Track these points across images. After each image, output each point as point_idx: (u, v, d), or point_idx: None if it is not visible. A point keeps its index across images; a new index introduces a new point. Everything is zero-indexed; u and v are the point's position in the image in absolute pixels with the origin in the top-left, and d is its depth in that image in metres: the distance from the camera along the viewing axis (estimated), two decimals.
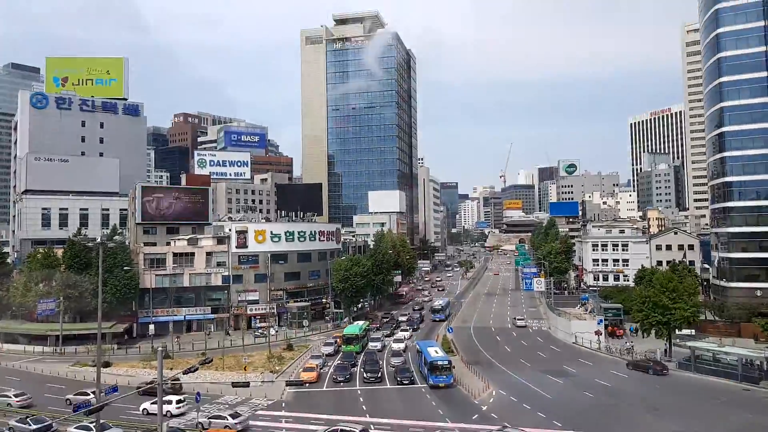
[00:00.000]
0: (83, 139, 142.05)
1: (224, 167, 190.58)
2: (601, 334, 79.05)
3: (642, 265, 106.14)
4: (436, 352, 63.65)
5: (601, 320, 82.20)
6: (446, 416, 50.24)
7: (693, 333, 77.19)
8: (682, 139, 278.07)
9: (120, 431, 46.03)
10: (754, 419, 47.53)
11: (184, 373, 43.04)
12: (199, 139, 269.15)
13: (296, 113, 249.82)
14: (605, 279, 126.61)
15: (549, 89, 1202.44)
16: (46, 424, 47.44)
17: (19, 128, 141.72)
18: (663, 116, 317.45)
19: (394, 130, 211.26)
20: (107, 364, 68.82)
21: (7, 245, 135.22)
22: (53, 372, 70.59)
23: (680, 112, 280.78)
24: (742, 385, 57.57)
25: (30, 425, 47.04)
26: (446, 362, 60.91)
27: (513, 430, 41.51)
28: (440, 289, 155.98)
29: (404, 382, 62.10)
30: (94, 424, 40.34)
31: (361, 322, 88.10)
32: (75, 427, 46.17)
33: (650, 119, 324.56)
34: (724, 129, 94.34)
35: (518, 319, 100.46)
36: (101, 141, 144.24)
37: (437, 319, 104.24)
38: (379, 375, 64.47)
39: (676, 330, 70.21)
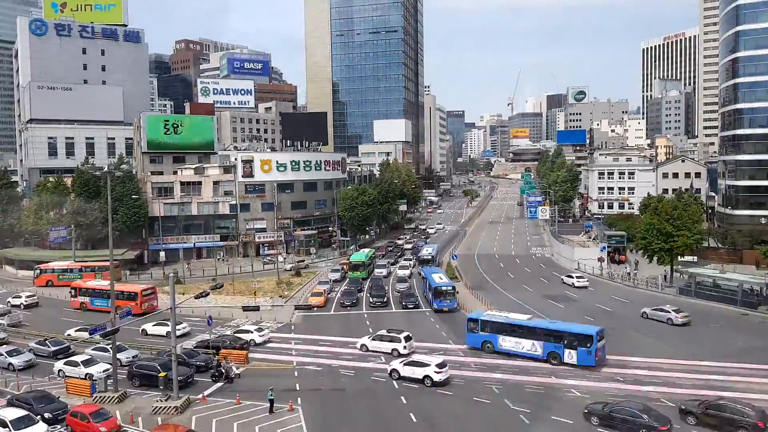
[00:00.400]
0: (85, 67, 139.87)
1: (228, 95, 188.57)
2: (603, 261, 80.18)
3: (648, 193, 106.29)
4: (441, 278, 65.00)
5: (604, 247, 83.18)
6: (449, 338, 51.91)
7: (695, 260, 78.17)
8: (695, 65, 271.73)
9: (136, 352, 48.03)
10: (750, 342, 48.90)
11: (195, 298, 44.31)
12: (202, 67, 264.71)
13: (300, 43, 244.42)
14: (610, 207, 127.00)
15: (560, 13, 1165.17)
16: (64, 346, 49.40)
17: (20, 56, 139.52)
18: (676, 41, 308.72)
19: (400, 57, 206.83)
20: None
21: (15, 174, 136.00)
22: (67, 297, 72.56)
23: (695, 36, 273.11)
24: (741, 310, 58.83)
25: (49, 347, 49.02)
26: (450, 287, 62.36)
27: None
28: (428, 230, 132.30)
29: (409, 306, 63.79)
30: (110, 345, 41.98)
31: (367, 250, 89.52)
32: (92, 349, 48.09)
33: (663, 44, 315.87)
34: (738, 54, 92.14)
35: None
36: (103, 69, 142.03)
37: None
38: (385, 300, 66.13)
39: (679, 257, 71.13)
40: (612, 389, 39.16)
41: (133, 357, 46.57)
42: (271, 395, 36.35)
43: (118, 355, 42.88)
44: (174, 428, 32.45)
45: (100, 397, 38.73)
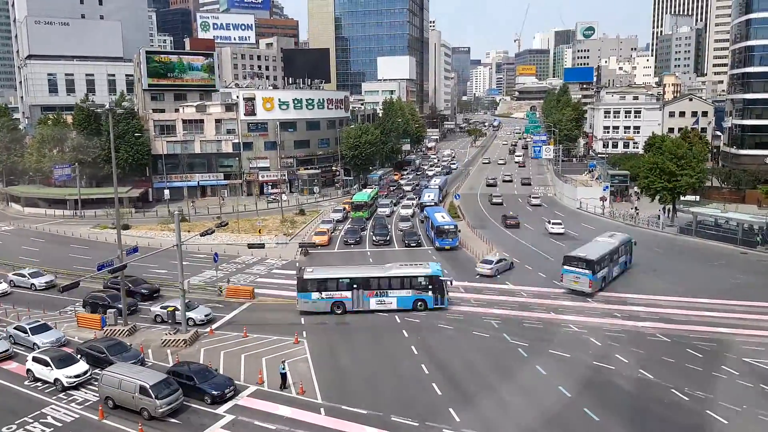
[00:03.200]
0: (81, 1, 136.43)
1: (228, 30, 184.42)
2: (605, 200, 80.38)
3: (653, 132, 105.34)
4: (443, 217, 65.56)
5: (606, 187, 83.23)
6: (451, 276, 52.70)
7: (697, 199, 78.33)
8: (707, 0, 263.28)
9: (148, 285, 49.17)
10: (746, 279, 49.71)
11: (201, 235, 45.01)
12: (201, 0, 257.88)
13: None
14: (615, 146, 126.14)
15: None
16: (75, 281, 50.23)
17: None
18: None
19: None
20: (126, 227, 71.42)
21: (17, 111, 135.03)
22: (75, 234, 73.64)
23: None
24: (741, 248, 59.44)
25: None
26: (452, 226, 62.95)
27: None
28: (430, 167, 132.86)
29: (411, 244, 64.56)
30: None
31: (369, 190, 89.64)
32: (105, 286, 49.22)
33: None
34: None
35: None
36: (100, 2, 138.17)
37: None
38: (388, 238, 66.84)
39: (681, 196, 71.27)
40: (609, 325, 40.17)
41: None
42: (283, 369, 32.63)
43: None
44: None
45: (111, 330, 39.91)
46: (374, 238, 66.92)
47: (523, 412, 28.77)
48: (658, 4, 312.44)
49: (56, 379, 32.13)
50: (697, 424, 27.67)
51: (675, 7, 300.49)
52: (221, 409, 29.61)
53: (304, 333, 39.46)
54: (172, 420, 28.72)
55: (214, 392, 30.19)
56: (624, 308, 43.31)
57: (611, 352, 35.43)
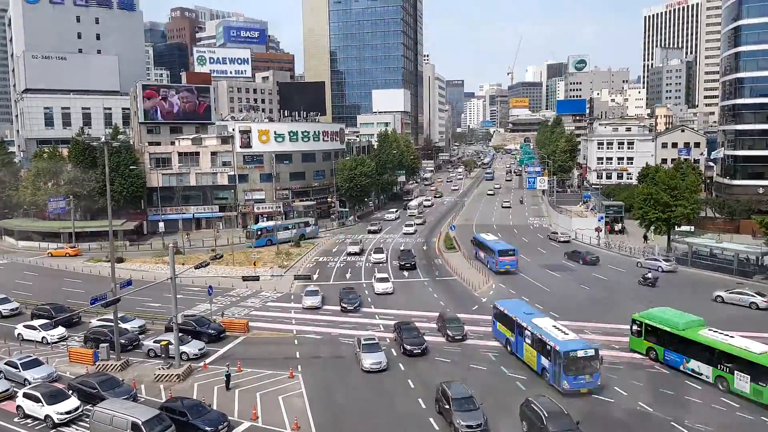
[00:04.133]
0: (79, 36, 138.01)
1: (224, 65, 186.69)
2: (601, 231, 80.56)
3: (647, 163, 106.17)
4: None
5: (601, 217, 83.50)
6: (447, 307, 52.42)
7: (692, 229, 78.54)
8: (697, 33, 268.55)
9: (142, 322, 48.64)
10: (744, 310, 49.50)
11: (195, 268, 44.81)
12: (198, 35, 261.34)
13: (296, 9, 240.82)
14: (609, 177, 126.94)
15: None
16: (75, 313, 49.69)
17: (13, 24, 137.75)
18: (679, 8, 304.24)
19: (399, 25, 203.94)
20: (121, 260, 71.03)
21: (12, 145, 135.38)
22: (69, 267, 73.06)
23: (697, 4, 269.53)
24: (737, 278, 59.35)
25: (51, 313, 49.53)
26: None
27: None
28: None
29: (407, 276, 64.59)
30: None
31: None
32: (97, 320, 48.61)
33: (666, 11, 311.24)
34: (740, 22, 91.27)
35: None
36: (98, 38, 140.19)
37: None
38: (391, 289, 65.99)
39: (675, 227, 71.50)
40: (607, 357, 39.73)
41: (139, 327, 47.59)
42: (228, 371, 36.10)
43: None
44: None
45: (103, 365, 39.31)
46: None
47: None
48: (648, 37, 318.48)
49: (47, 416, 31.48)
50: None
51: (665, 40, 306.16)
52: None
53: (299, 367, 38.95)
54: None
55: (207, 428, 29.63)
56: (622, 339, 42.95)
57: (610, 384, 35.03)
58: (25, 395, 32.72)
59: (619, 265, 67.47)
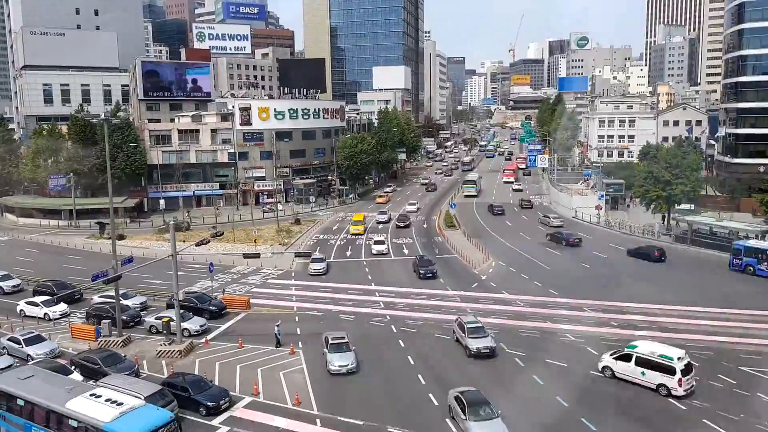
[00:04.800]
0: (77, 12, 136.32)
1: (224, 41, 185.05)
2: (601, 209, 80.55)
3: (648, 141, 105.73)
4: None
5: (602, 195, 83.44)
6: (447, 285, 52.70)
7: (692, 207, 78.51)
8: (700, 10, 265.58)
9: (144, 298, 48.95)
10: (743, 287, 49.76)
11: (196, 245, 44.91)
12: (197, 11, 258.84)
13: None
14: (610, 155, 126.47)
15: None
16: (76, 290, 49.97)
17: (11, 0, 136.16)
18: None
19: (400, 1, 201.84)
20: (122, 237, 71.18)
21: (12, 122, 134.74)
22: (70, 244, 73.30)
23: None
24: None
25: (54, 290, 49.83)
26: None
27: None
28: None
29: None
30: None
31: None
32: (98, 296, 48.87)
33: None
34: None
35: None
36: (96, 13, 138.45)
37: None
38: (385, 250, 66.42)
39: (676, 205, 71.49)
40: (607, 334, 40.08)
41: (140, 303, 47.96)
42: (278, 330, 38.61)
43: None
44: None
45: (105, 341, 39.64)
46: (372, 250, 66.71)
47: (521, 422, 28.59)
48: (652, 14, 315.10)
49: None
50: None
51: (668, 17, 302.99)
52: (216, 421, 29.39)
53: (300, 343, 39.27)
54: None
55: (209, 403, 29.97)
56: (621, 317, 43.25)
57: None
58: None
59: (622, 244, 67.55)
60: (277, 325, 38.78)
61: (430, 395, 31.54)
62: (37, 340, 38.53)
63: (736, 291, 48.86)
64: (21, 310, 46.69)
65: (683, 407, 29.64)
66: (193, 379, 31.66)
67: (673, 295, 47.53)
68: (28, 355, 36.97)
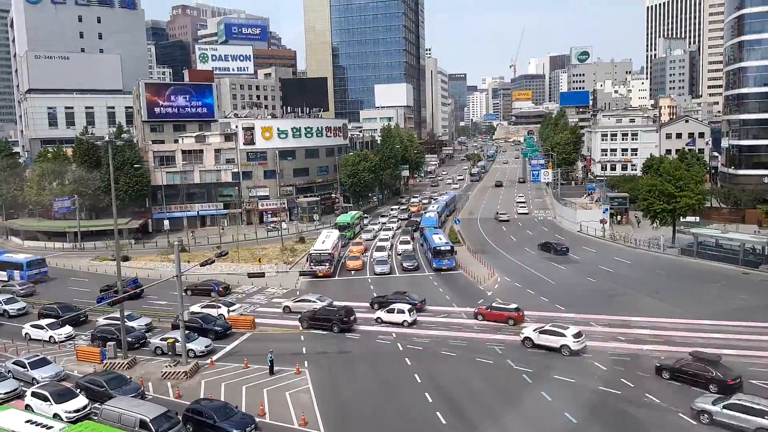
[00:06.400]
0: (81, 35, 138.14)
1: (226, 62, 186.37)
2: (606, 222, 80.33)
3: (651, 154, 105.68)
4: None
5: (606, 209, 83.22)
6: (453, 301, 52.48)
7: (697, 220, 78.21)
8: (700, 23, 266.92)
9: (149, 320, 48.81)
10: (749, 300, 49.33)
11: (201, 265, 44.83)
12: (199, 33, 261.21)
13: (298, 5, 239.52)
14: (613, 169, 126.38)
15: None
16: (81, 312, 49.87)
17: (15, 25, 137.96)
18: None
19: (400, 20, 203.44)
20: (126, 258, 71.26)
21: (17, 145, 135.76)
22: (75, 266, 73.40)
23: None
24: (743, 269, 59.11)
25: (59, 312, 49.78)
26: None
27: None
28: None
29: (409, 268, 65.38)
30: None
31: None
32: (103, 318, 48.83)
33: (668, 1, 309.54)
34: (744, 11, 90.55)
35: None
36: (100, 37, 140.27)
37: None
38: (388, 270, 66.11)
39: (681, 217, 71.23)
40: (613, 349, 39.72)
41: (145, 324, 47.75)
42: (271, 357, 37.45)
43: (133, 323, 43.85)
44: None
45: (111, 363, 39.49)
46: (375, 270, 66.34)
47: None
48: (651, 28, 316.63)
49: (55, 414, 31.61)
50: None
51: (668, 30, 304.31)
52: None
53: (306, 363, 39.03)
54: None
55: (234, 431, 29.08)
56: (628, 331, 42.89)
57: (616, 377, 34.98)
58: (34, 394, 32.89)
59: (627, 257, 67.25)
60: (270, 352, 37.83)
61: (438, 413, 31.22)
62: (43, 363, 38.39)
63: (741, 303, 48.42)
64: (26, 333, 46.63)
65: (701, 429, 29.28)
66: (217, 406, 30.62)
67: (682, 309, 47.14)
68: (34, 378, 36.83)
